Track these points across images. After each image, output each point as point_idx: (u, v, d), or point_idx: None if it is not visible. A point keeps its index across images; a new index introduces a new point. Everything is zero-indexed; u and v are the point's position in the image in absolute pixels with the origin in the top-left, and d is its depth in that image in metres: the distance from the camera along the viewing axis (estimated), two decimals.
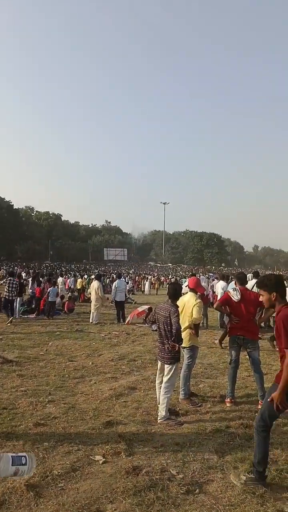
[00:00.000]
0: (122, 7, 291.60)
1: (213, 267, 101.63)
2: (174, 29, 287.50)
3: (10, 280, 12.95)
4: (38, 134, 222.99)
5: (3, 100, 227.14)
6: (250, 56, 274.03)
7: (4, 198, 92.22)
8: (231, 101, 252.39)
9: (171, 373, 4.73)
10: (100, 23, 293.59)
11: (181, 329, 4.98)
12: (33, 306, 15.50)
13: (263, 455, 3.26)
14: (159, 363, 4.96)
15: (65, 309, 15.81)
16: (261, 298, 3.44)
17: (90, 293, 14.48)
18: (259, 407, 5.11)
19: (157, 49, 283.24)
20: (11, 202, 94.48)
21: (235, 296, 5.30)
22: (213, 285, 16.41)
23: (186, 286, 6.31)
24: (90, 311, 13.56)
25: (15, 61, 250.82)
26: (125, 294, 15.58)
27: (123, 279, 17.04)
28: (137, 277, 44.52)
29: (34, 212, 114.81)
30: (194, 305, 5.47)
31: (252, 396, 5.58)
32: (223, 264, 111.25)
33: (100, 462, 3.59)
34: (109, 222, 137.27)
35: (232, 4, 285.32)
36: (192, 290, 5.77)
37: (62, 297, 16.95)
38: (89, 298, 15.57)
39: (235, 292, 5.36)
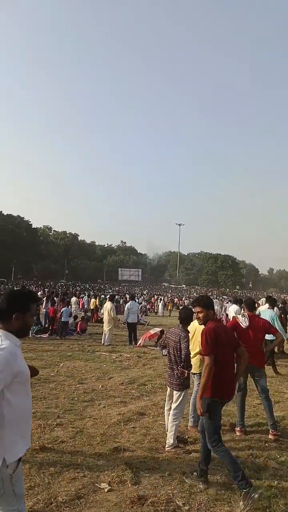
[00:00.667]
0: (124, 20, 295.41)
1: (227, 289, 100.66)
2: (187, 44, 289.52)
3: None
4: (58, 156, 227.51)
5: (28, 122, 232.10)
6: (267, 75, 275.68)
7: (23, 218, 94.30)
8: (246, 121, 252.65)
9: (180, 399, 4.69)
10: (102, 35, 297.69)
11: (191, 355, 4.97)
12: (46, 325, 15.61)
13: (233, 466, 3.45)
14: (168, 389, 4.93)
15: (78, 330, 15.85)
16: (198, 315, 3.95)
17: (103, 314, 14.51)
18: (270, 437, 5.01)
19: (169, 66, 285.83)
20: (30, 222, 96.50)
21: (244, 323, 5.27)
22: (226, 308, 16.28)
23: None
24: (103, 332, 13.57)
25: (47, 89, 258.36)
26: (137, 316, 15.54)
27: (136, 301, 17.02)
28: (152, 298, 44.45)
29: (52, 232, 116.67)
30: None
31: (262, 425, 5.46)
32: (237, 287, 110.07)
33: (106, 490, 3.56)
34: (125, 243, 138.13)
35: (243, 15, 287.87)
36: None
37: (75, 317, 17.01)
38: (102, 319, 15.60)
39: (243, 318, 5.33)
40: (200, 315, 3.90)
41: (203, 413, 3.65)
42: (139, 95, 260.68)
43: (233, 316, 7.26)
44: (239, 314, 5.68)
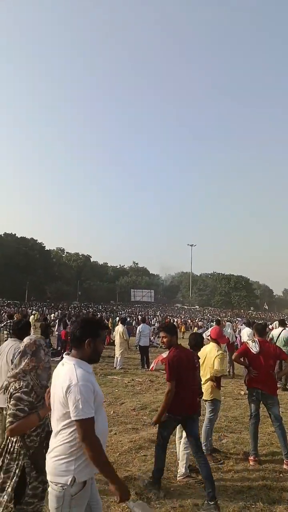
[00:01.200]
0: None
1: (242, 310, 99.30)
2: (189, 43, 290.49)
3: (10, 322, 13.22)
4: (74, 179, 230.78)
5: (47, 146, 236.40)
6: (271, 99, 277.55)
7: (36, 240, 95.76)
8: (255, 131, 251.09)
9: None
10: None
11: (202, 381, 4.94)
12: (59, 348, 15.63)
13: (160, 466, 4.23)
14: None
15: None
16: (163, 340, 4.39)
17: (115, 337, 14.48)
18: (284, 467, 4.90)
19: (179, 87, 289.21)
20: (43, 244, 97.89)
21: (254, 348, 5.22)
22: (240, 330, 16.05)
23: (208, 336, 6.27)
24: (115, 355, 13.51)
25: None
26: (149, 339, 15.45)
27: (150, 323, 16.96)
28: (166, 320, 44.20)
29: (65, 253, 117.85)
30: (216, 356, 5.40)
31: (277, 454, 5.33)
32: (251, 308, 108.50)
33: None
34: (137, 263, 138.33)
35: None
36: (214, 340, 5.72)
37: None
38: (114, 342, 15.54)
39: (254, 344, 5.28)
40: (165, 339, 4.35)
41: (157, 422, 4.33)
42: (140, 99, 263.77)
43: (243, 342, 7.16)
44: (250, 340, 5.62)
